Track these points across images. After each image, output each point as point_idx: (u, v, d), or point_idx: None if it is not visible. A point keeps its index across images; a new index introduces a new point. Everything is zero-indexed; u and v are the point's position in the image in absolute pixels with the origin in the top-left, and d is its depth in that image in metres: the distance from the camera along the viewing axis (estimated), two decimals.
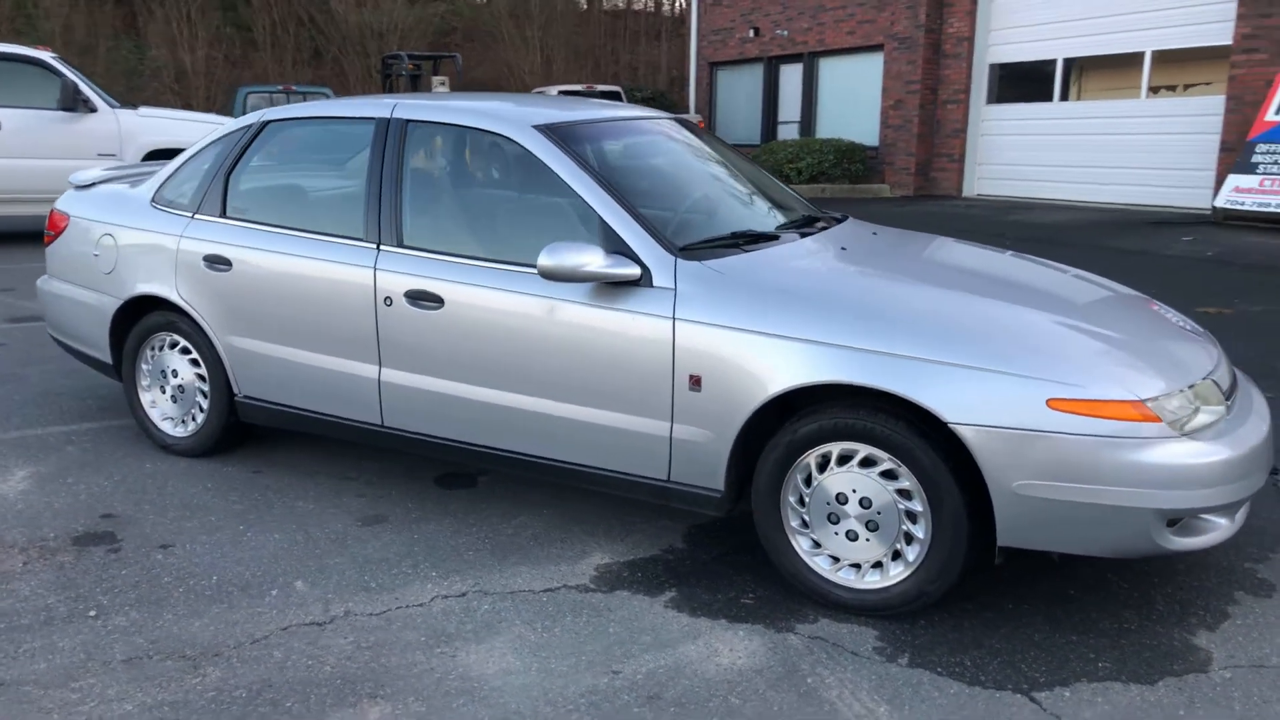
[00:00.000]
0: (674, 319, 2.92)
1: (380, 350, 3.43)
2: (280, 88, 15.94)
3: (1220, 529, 2.66)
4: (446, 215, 3.44)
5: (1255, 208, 10.70)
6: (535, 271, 3.14)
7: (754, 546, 3.28)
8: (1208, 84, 12.55)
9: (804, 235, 3.46)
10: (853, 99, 17.06)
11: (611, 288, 3.03)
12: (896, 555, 2.77)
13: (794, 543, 2.89)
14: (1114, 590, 2.97)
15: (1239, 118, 11.56)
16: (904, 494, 2.72)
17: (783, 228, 3.52)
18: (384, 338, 3.41)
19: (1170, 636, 2.71)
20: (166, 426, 4.08)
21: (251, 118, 3.88)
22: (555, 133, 3.34)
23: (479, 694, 2.46)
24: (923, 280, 3.10)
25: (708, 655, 2.64)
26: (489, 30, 23.81)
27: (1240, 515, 2.75)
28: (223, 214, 3.80)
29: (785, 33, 18.27)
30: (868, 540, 2.78)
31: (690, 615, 2.86)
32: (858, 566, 2.83)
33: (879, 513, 2.75)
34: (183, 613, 2.83)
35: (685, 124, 4.10)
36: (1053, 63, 14.09)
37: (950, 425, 2.58)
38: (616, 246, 3.04)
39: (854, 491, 2.77)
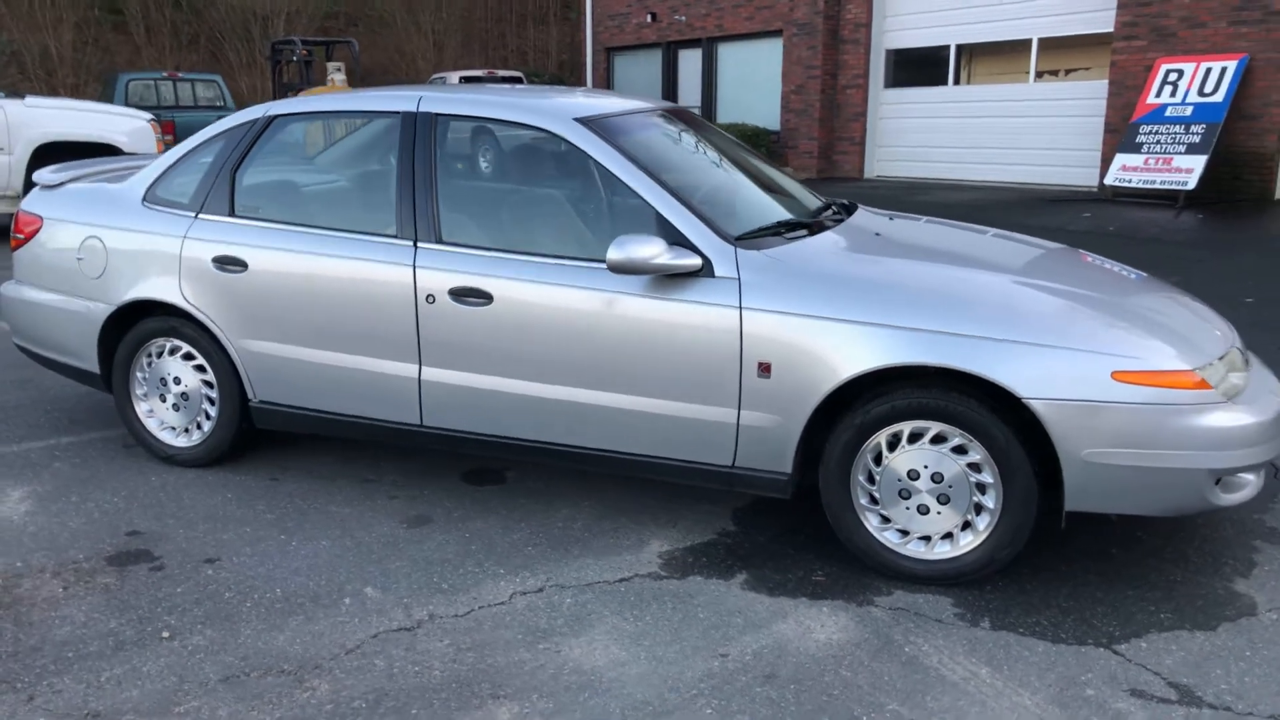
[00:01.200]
0: (740, 308, 2.98)
1: (421, 349, 3.36)
2: (165, 74, 15.10)
3: (1251, 485, 2.90)
4: (487, 210, 3.39)
5: (1142, 184, 11.45)
6: (588, 265, 3.15)
7: (804, 526, 3.38)
8: (1087, 69, 13.32)
9: (832, 223, 3.56)
10: (753, 84, 17.35)
11: (670, 279, 3.06)
12: (966, 525, 2.92)
13: (864, 520, 3.01)
14: (1148, 546, 3.20)
15: (1121, 101, 12.32)
16: (974, 467, 2.86)
17: (811, 215, 3.61)
18: (425, 336, 3.34)
19: (1213, 586, 2.95)
20: (167, 437, 3.89)
21: (255, 111, 3.72)
22: (596, 126, 3.34)
23: (600, 686, 2.48)
24: (966, 264, 3.24)
25: (803, 633, 2.73)
26: (375, 14, 23.11)
27: (1263, 474, 3.01)
28: (231, 213, 3.64)
29: (683, 18, 18.41)
30: (939, 513, 2.92)
31: (770, 595, 2.94)
32: (927, 539, 2.96)
33: (951, 486, 2.89)
34: (260, 628, 2.74)
35: (683, 114, 4.14)
36: (946, 49, 14.67)
37: (1024, 400, 2.73)
38: (674, 238, 3.08)
39: (925, 467, 2.90)
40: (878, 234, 3.49)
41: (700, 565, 3.12)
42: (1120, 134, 12.24)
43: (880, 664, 2.58)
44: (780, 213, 3.53)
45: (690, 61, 18.74)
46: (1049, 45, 13.53)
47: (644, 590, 2.96)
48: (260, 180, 3.67)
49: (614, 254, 2.96)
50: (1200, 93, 11.38)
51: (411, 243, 3.36)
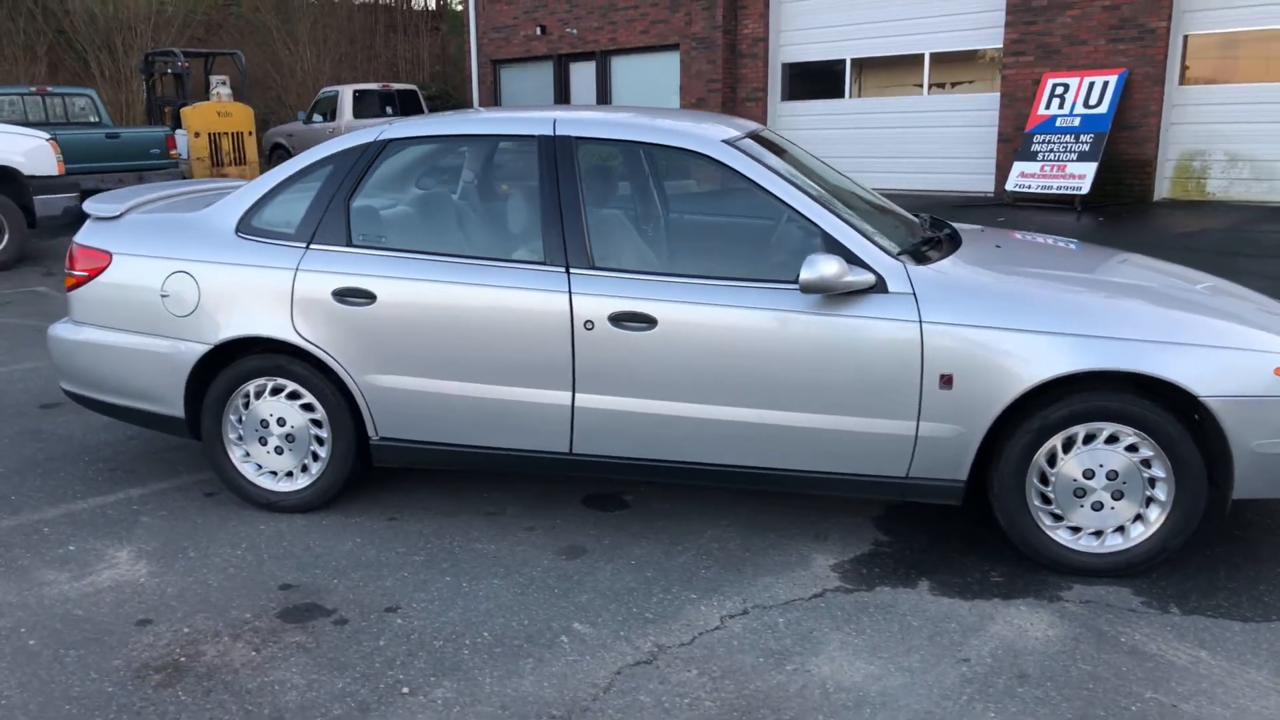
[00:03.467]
0: (920, 322, 3.09)
1: (576, 376, 3.30)
2: (33, 89, 13.94)
3: None
4: (639, 234, 3.37)
5: (1039, 189, 12.30)
6: (754, 285, 3.18)
7: (949, 530, 3.51)
8: (971, 82, 14.19)
9: (951, 239, 3.71)
10: (649, 97, 17.58)
11: (841, 297, 3.14)
12: (1137, 518, 3.12)
13: (1038, 519, 3.16)
14: (1263, 526, 3.50)
15: (1013, 112, 13.20)
16: (1145, 463, 3.07)
17: (933, 231, 3.75)
18: (582, 362, 3.29)
19: None
20: (266, 482, 3.66)
21: (367, 135, 3.55)
22: (741, 148, 3.37)
23: (874, 701, 2.52)
24: (1101, 273, 3.44)
25: (1021, 632, 2.85)
26: (240, 23, 22.09)
27: None
28: (349, 243, 3.47)
29: (575, 31, 18.45)
30: (1113, 508, 3.11)
31: (964, 599, 3.05)
32: (1098, 534, 3.15)
33: (1125, 482, 3.08)
34: (498, 674, 2.64)
35: (769, 136, 4.18)
36: (841, 62, 15.31)
37: (1201, 399, 2.95)
38: (846, 257, 3.15)
39: (1100, 466, 3.08)
40: (998, 246, 3.67)
41: (878, 576, 3.20)
42: (1013, 143, 13.11)
43: (1109, 655, 2.73)
44: (913, 230, 3.65)
45: (583, 74, 18.80)
46: (940, 59, 14.34)
47: (844, 604, 3.02)
48: (379, 208, 3.52)
49: (807, 274, 3.01)
50: (1086, 105, 12.33)
51: (563, 269, 3.30)
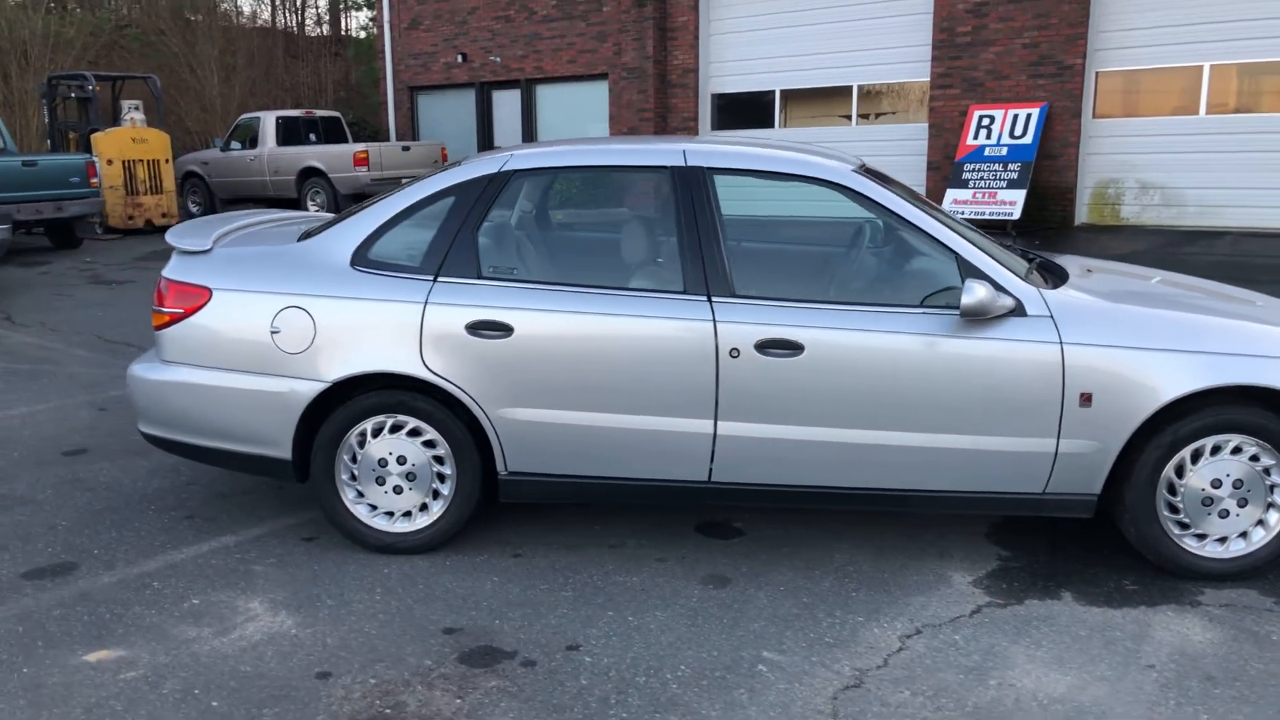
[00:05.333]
0: (1061, 343, 3.23)
1: (719, 403, 3.31)
2: None
3: None
4: (777, 261, 3.41)
5: (973, 215, 12.90)
6: (898, 310, 3.27)
7: (1064, 541, 3.66)
8: (893, 113, 14.81)
9: (1044, 264, 3.89)
10: (576, 126, 17.65)
11: (985, 320, 3.26)
12: (1259, 523, 3.32)
13: (1166, 529, 3.33)
14: None
15: (941, 142, 13.83)
16: (1265, 471, 3.28)
17: (1034, 258, 3.92)
18: (726, 390, 3.30)
19: None
20: (381, 523, 3.52)
21: (489, 166, 3.48)
22: (872, 177, 3.47)
23: (1092, 711, 2.61)
24: (1199, 295, 3.67)
25: (1184, 637, 3.00)
26: (138, 47, 21.14)
27: None
28: (479, 275, 3.39)
29: (498, 59, 18.40)
30: (1238, 515, 3.30)
31: (1114, 608, 3.18)
32: (1223, 540, 3.34)
33: (1249, 490, 3.28)
34: (718, 706, 2.61)
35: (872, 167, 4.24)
36: (770, 94, 15.75)
37: None
38: (989, 283, 3.27)
39: (1227, 476, 3.27)
40: (1089, 270, 3.87)
41: (1020, 590, 3.31)
42: (942, 171, 13.72)
43: (1273, 653, 2.90)
44: (1017, 256, 3.80)
45: (507, 102, 18.73)
46: (868, 91, 14.92)
47: (1006, 619, 3.11)
48: (507, 239, 3.46)
49: (967, 299, 3.11)
50: (1011, 135, 13.03)
51: (705, 298, 3.31)
